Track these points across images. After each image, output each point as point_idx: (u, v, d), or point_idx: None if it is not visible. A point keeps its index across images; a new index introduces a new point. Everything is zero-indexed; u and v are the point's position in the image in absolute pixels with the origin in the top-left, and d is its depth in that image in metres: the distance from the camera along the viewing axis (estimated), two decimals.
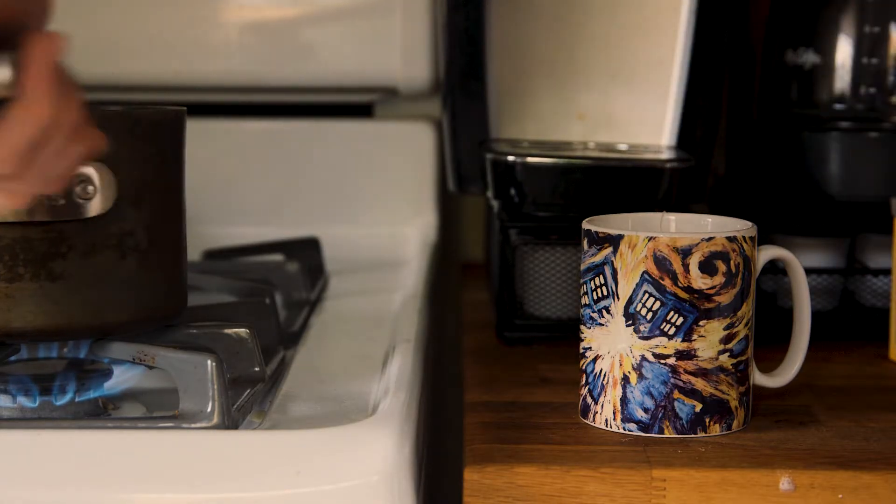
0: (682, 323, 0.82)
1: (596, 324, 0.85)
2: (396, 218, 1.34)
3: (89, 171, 0.79)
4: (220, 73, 1.33)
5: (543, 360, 1.00)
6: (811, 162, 1.06)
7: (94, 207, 0.80)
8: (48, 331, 0.81)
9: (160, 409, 0.85)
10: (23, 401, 0.82)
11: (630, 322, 0.83)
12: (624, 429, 0.84)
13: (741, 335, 0.84)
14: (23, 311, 0.80)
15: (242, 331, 0.87)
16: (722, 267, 0.82)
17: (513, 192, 1.05)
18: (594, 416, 0.85)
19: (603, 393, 0.85)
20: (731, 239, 0.83)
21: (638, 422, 0.84)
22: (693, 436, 0.83)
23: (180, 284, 0.87)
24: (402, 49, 1.32)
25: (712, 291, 0.82)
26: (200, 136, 1.34)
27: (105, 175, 0.80)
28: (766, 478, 0.78)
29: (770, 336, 0.95)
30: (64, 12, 1.30)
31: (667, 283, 0.82)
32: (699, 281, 0.82)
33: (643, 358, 0.83)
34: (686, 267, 0.82)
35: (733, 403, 0.84)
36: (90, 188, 0.79)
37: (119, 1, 1.32)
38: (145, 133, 0.82)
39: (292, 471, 0.73)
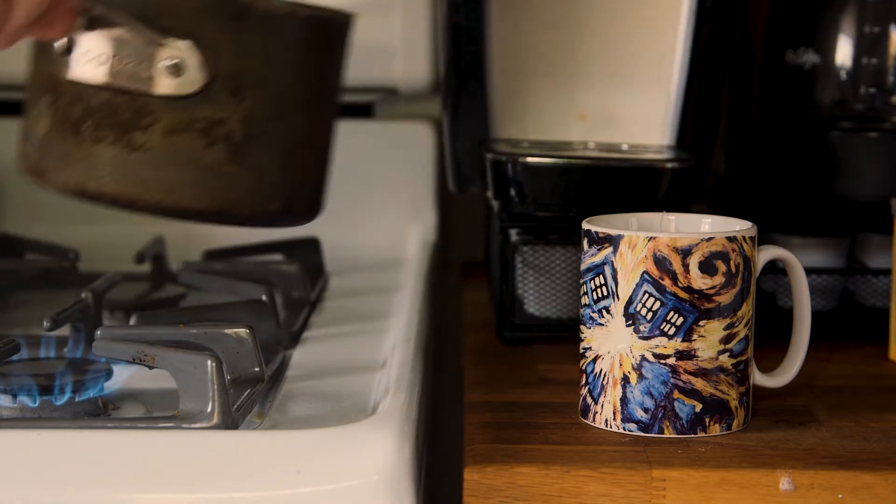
0: (682, 323, 0.82)
1: (596, 324, 0.85)
2: (396, 218, 1.34)
3: (183, 49, 0.77)
4: None
5: (543, 360, 1.00)
6: (811, 162, 1.06)
7: (178, 87, 0.78)
8: (120, 199, 0.79)
9: (160, 409, 0.85)
10: (23, 401, 0.82)
11: (630, 322, 0.83)
12: (624, 429, 0.84)
13: (741, 335, 0.84)
14: (100, 174, 0.79)
15: (242, 331, 0.87)
16: (722, 267, 0.82)
17: (513, 192, 1.05)
18: (594, 416, 0.85)
19: (603, 393, 0.85)
20: (731, 239, 0.83)
21: (638, 422, 0.84)
22: (693, 436, 0.83)
23: (286, 188, 0.83)
24: (402, 49, 1.32)
25: (712, 291, 0.82)
26: None
27: (199, 56, 0.78)
28: (766, 478, 0.78)
29: (770, 336, 0.95)
30: None
31: (667, 283, 0.82)
32: (699, 281, 0.82)
33: (643, 358, 0.83)
34: (686, 267, 0.82)
35: (733, 403, 0.84)
36: (180, 66, 0.78)
37: None
38: (255, 25, 0.79)
39: (292, 471, 0.73)
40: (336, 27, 0.83)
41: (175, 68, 0.78)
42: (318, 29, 0.82)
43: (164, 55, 0.78)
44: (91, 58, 0.79)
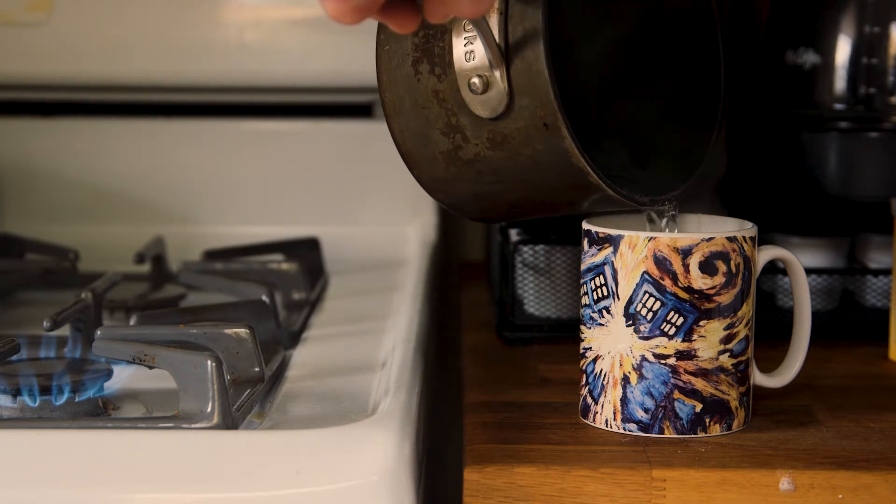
0: (683, 323, 0.82)
1: (596, 324, 0.85)
2: (396, 218, 1.34)
3: (501, 89, 0.79)
4: (220, 73, 1.33)
5: (543, 360, 1.00)
6: (811, 162, 1.06)
7: (467, 93, 0.80)
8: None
9: (160, 409, 0.85)
10: (23, 401, 0.82)
11: (630, 322, 0.83)
12: (624, 429, 0.84)
13: (741, 335, 0.84)
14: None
15: (242, 331, 0.87)
16: (722, 267, 0.82)
17: None
18: (594, 416, 0.85)
19: (603, 393, 0.85)
20: (731, 239, 0.83)
21: (638, 422, 0.84)
22: (693, 436, 0.83)
23: (455, 204, 0.88)
24: None
25: (712, 291, 0.82)
26: (200, 136, 1.35)
27: (505, 102, 0.79)
28: (766, 478, 0.78)
29: (770, 336, 0.95)
30: (64, 13, 1.31)
31: (667, 283, 0.82)
32: (699, 281, 0.82)
33: (643, 358, 0.83)
34: (686, 267, 0.82)
35: (733, 403, 0.84)
36: (489, 90, 0.79)
37: (119, 1, 1.32)
38: (556, 136, 0.80)
39: (292, 471, 0.73)
40: (610, 202, 0.85)
41: (484, 86, 0.79)
42: (601, 198, 0.84)
43: (486, 71, 0.79)
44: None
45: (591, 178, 0.80)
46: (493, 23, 0.78)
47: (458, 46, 0.80)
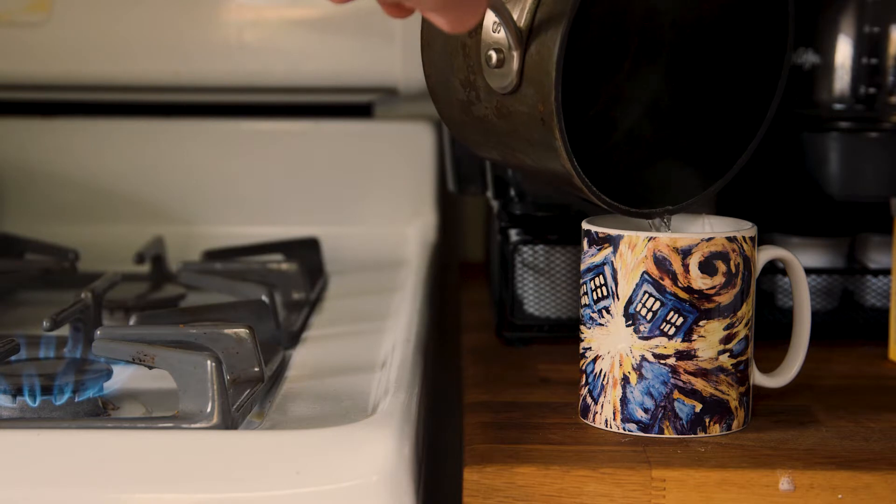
0: (682, 323, 0.82)
1: (596, 324, 0.85)
2: (396, 218, 1.34)
3: (516, 66, 0.79)
4: (220, 73, 1.33)
5: (543, 360, 1.00)
6: (811, 162, 1.05)
7: (483, 63, 0.81)
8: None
9: (160, 409, 0.85)
10: (23, 401, 0.82)
11: (630, 322, 0.83)
12: (624, 429, 0.84)
13: (741, 335, 0.84)
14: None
15: (242, 331, 0.87)
16: (722, 267, 0.82)
17: (512, 192, 1.05)
18: (594, 416, 0.85)
19: (603, 393, 0.85)
20: (731, 239, 0.83)
21: (638, 422, 0.84)
22: (693, 436, 0.83)
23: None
24: (402, 49, 1.32)
25: (712, 292, 0.82)
26: (200, 136, 1.35)
27: (515, 81, 0.80)
28: (766, 478, 0.78)
29: (770, 336, 0.95)
30: (64, 14, 1.31)
31: (667, 283, 0.82)
32: (699, 281, 0.82)
33: (643, 358, 0.83)
34: (686, 267, 0.82)
35: (733, 403, 0.84)
36: (503, 65, 0.80)
37: (119, 1, 1.32)
38: (549, 131, 0.81)
39: (292, 471, 0.73)
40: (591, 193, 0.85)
41: (499, 62, 0.80)
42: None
43: (504, 48, 0.79)
44: None
45: (576, 181, 0.80)
46: (527, 3, 0.78)
47: (490, 14, 0.80)
